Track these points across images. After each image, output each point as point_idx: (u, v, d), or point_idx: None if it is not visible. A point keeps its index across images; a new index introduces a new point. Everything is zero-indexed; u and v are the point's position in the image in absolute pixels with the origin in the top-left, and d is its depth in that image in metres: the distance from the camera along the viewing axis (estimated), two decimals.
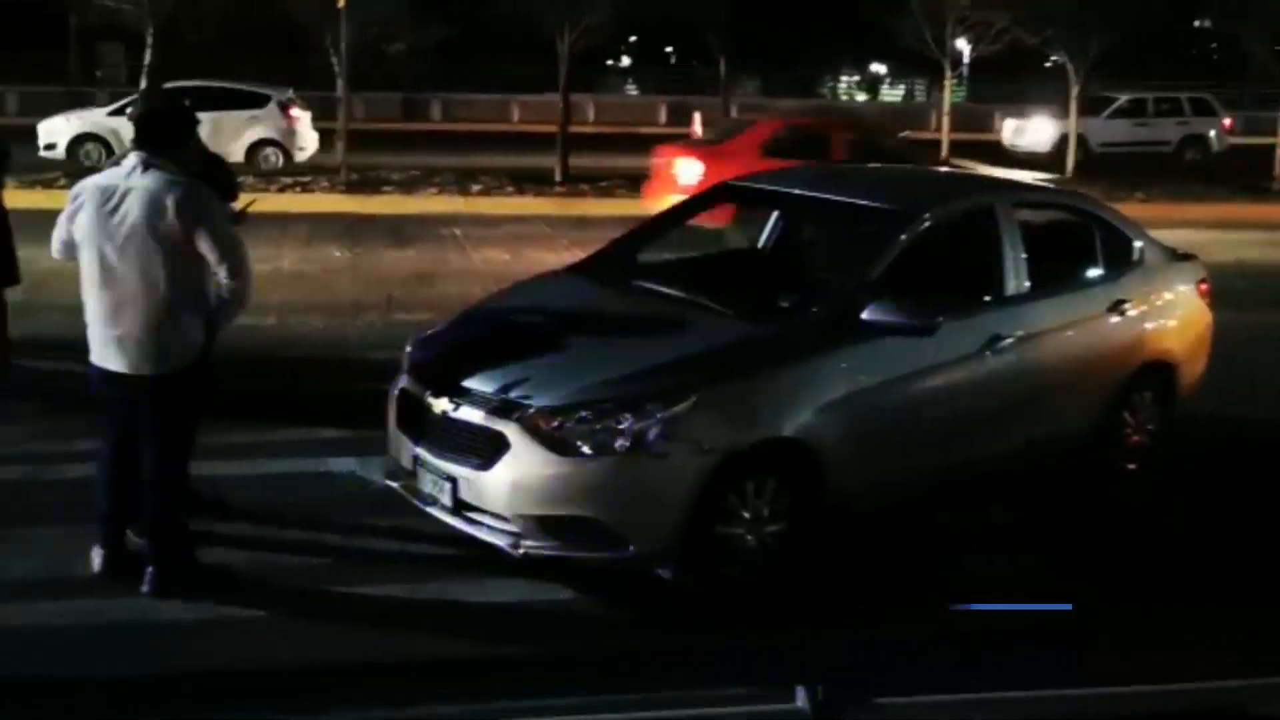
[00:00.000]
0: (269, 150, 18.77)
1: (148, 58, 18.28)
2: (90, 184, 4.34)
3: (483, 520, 4.53)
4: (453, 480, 4.55)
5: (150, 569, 4.46)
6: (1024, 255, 5.59)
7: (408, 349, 5.23)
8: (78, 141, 17.99)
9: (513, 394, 4.49)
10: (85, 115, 18.83)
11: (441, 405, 4.64)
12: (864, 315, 4.83)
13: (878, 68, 49.91)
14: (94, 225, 4.23)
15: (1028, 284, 5.58)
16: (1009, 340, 5.37)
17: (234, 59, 26.77)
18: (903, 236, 5.21)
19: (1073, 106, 20.76)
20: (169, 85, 16.94)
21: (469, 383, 4.62)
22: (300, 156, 19.04)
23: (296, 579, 4.69)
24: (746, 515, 4.57)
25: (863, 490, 4.97)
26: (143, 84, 18.38)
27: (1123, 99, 26.08)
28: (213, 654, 4.12)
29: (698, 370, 4.59)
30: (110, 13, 19.16)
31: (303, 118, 19.36)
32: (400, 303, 9.72)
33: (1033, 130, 25.98)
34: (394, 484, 4.97)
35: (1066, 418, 5.78)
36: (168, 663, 4.05)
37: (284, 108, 19.04)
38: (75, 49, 34.07)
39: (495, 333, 5.08)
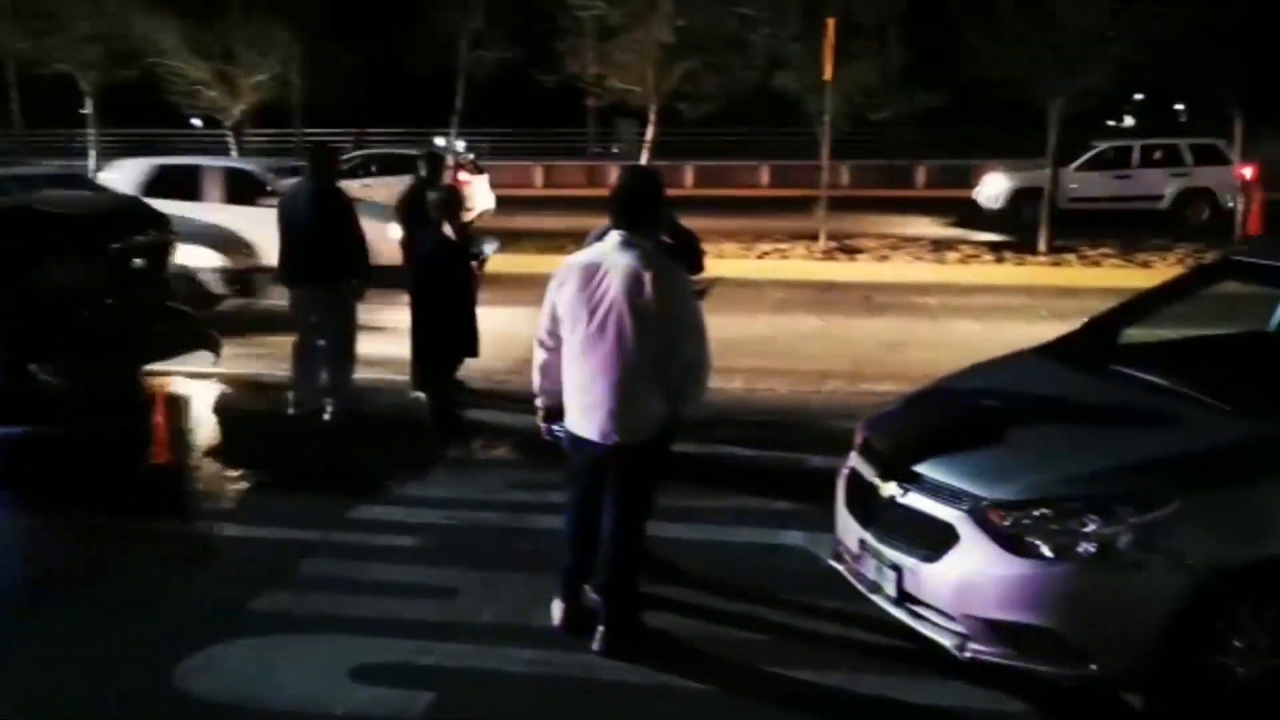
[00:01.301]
0: None
1: (649, 133, 19.76)
2: (576, 262, 4.57)
3: (927, 615, 4.27)
4: (898, 569, 4.33)
5: (602, 628, 4.62)
6: None
7: (860, 427, 5.09)
8: None
9: (966, 483, 4.20)
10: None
11: (890, 489, 4.45)
12: None
13: None
14: (577, 300, 4.47)
15: None
16: None
17: (725, 131, 28.32)
18: None
19: None
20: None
21: (920, 468, 4.39)
22: (466, 216, 19.65)
23: (737, 653, 4.66)
24: (1238, 644, 3.94)
25: None
26: (644, 157, 19.86)
27: (1102, 146, 21.99)
28: None
29: (1183, 472, 4.04)
30: (622, 93, 20.93)
31: (474, 180, 20.27)
32: (866, 372, 9.59)
33: (990, 185, 22.15)
34: (838, 566, 4.83)
35: None
36: None
37: (453, 171, 20.03)
38: (593, 126, 37.71)
39: (952, 416, 4.80)
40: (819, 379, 9.44)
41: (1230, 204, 21.08)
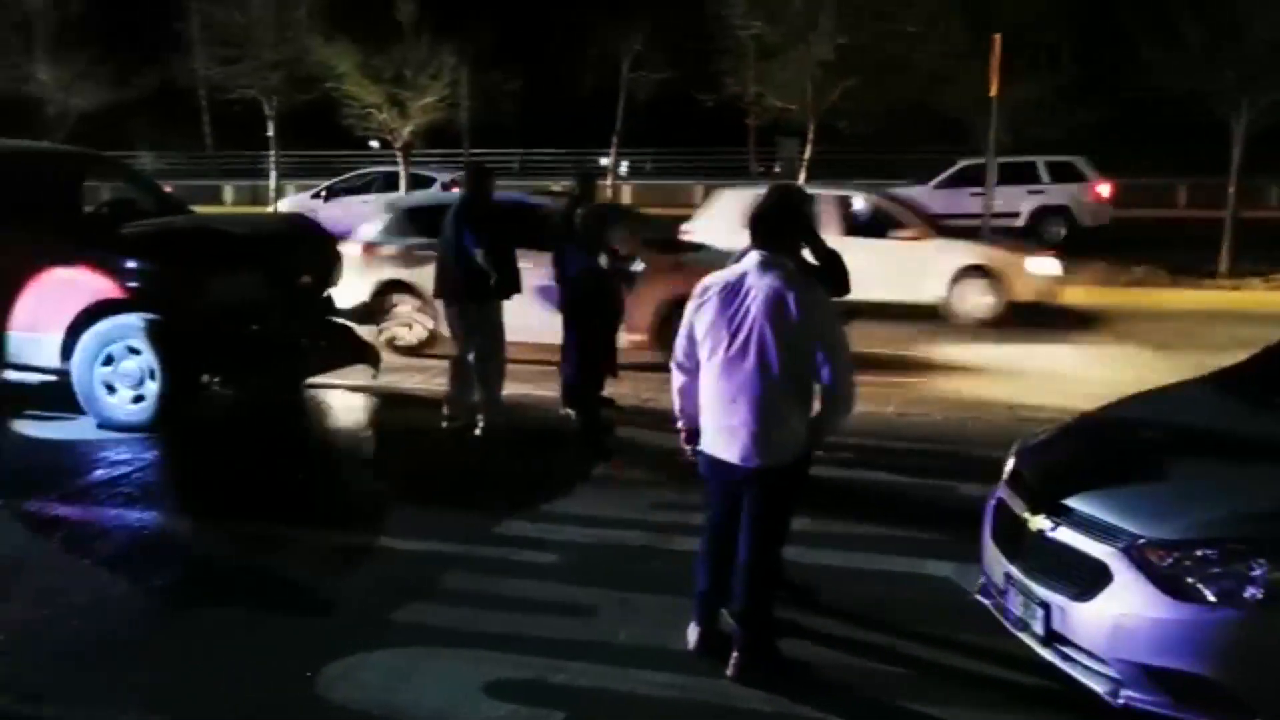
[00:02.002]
0: None
1: (807, 151, 19.61)
2: (716, 282, 4.49)
3: (1077, 657, 4.06)
4: (1046, 607, 4.13)
5: (736, 654, 4.55)
6: None
7: (1011, 456, 4.90)
8: None
9: (1121, 519, 3.98)
10: (294, 199, 23.13)
11: (1038, 523, 4.25)
12: None
13: None
14: (717, 321, 4.40)
15: None
16: None
17: (889, 149, 27.87)
18: None
19: None
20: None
21: (1071, 501, 4.18)
22: None
23: (874, 686, 4.52)
24: None
25: None
26: (801, 176, 19.72)
27: (962, 163, 21.83)
28: None
29: None
30: (781, 111, 20.88)
31: None
32: (1026, 399, 9.23)
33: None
34: (984, 600, 4.64)
35: None
36: None
37: (445, 189, 21.15)
38: (753, 145, 37.60)
39: (1109, 447, 4.57)
40: (976, 405, 9.15)
41: (1087, 221, 21.01)
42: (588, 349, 7.75)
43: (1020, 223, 21.38)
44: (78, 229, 8.54)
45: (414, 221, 11.30)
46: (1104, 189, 21.61)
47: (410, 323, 10.93)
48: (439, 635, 4.92)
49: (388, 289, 10.98)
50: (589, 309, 7.64)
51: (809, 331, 4.32)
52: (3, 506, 6.55)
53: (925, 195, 20.59)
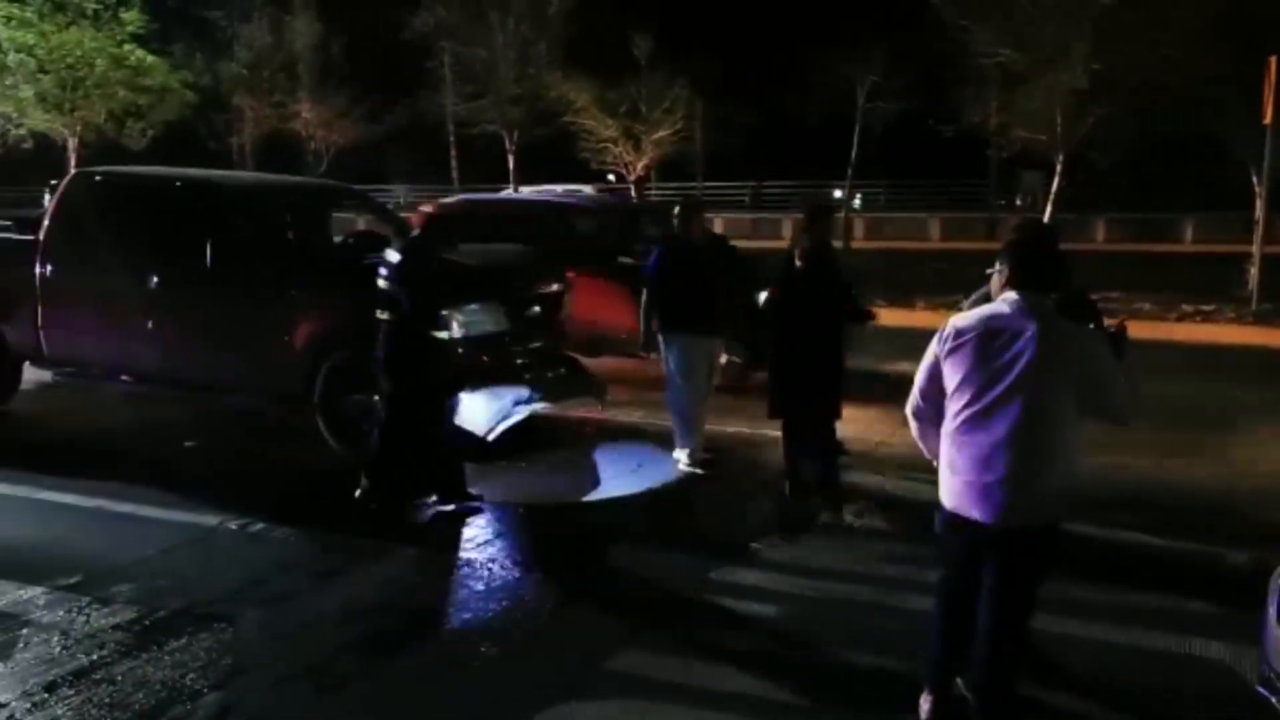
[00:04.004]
0: None
1: (1054, 184, 18.64)
2: (972, 325, 4.07)
3: None
4: None
5: None
6: None
7: None
8: None
9: None
10: None
11: None
12: None
13: None
14: (976, 367, 4.00)
15: None
16: None
17: (1136, 180, 26.26)
18: None
19: None
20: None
21: None
22: None
23: None
24: None
25: None
26: (1048, 209, 18.76)
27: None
28: None
29: None
30: (1027, 142, 19.95)
31: None
32: None
33: None
34: (1266, 694, 4.06)
35: None
36: None
37: None
38: (995, 177, 36.24)
39: None
40: (1248, 461, 8.29)
41: None
42: (780, 385, 7.40)
43: None
44: (324, 259, 8.87)
45: None
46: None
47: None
48: (654, 688, 4.71)
49: None
50: (778, 344, 7.34)
51: (1085, 378, 3.91)
52: (240, 529, 6.78)
53: None
